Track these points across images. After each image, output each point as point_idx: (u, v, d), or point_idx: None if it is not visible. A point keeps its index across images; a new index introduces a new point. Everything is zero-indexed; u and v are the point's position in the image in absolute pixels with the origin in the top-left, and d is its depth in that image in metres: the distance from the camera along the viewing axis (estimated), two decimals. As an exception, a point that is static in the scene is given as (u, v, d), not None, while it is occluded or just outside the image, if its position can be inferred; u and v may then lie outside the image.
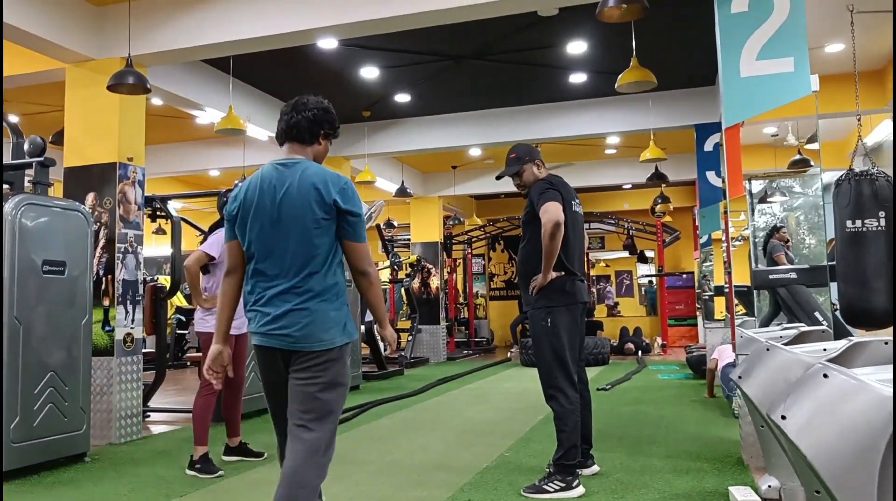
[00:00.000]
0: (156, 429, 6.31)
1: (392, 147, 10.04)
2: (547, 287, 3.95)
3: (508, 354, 13.61)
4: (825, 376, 2.40)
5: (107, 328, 5.62)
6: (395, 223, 15.22)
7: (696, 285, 13.95)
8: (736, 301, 8.84)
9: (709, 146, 8.56)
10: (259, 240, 2.64)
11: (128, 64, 5.22)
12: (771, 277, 5.88)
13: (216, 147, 10.68)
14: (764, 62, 4.45)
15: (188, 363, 11.68)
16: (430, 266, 13.60)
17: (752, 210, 8.25)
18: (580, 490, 3.80)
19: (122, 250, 5.74)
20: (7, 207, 4.46)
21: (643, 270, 18.02)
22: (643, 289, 18.32)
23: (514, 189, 4.49)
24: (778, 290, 7.41)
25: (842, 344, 3.47)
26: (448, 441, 5.37)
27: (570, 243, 3.99)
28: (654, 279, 17.40)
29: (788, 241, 8.00)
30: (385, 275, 12.50)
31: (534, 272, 4.00)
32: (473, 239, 16.69)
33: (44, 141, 4.93)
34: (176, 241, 7.00)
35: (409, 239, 14.74)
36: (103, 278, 5.66)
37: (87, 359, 4.95)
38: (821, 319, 7.14)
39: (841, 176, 6.42)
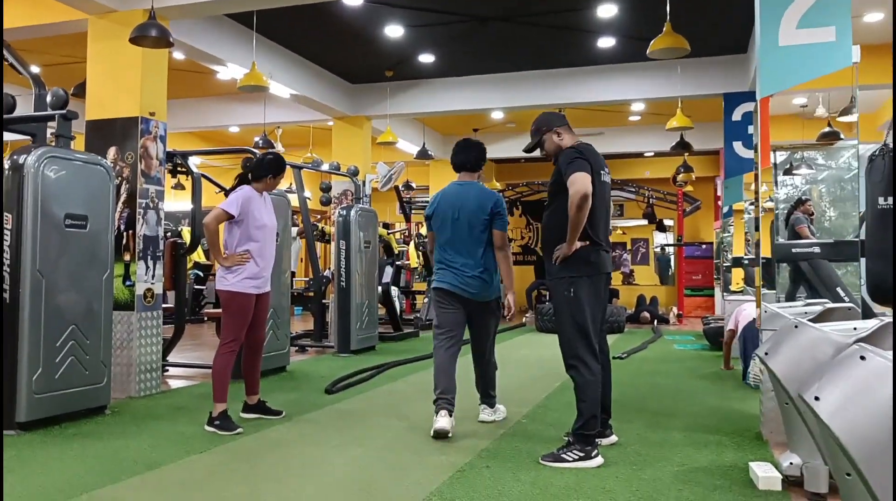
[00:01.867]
0: (174, 384, 6.36)
1: (414, 108, 9.94)
2: (571, 257, 3.89)
3: (524, 319, 13.60)
4: (862, 358, 2.34)
5: (127, 283, 5.63)
6: (414, 185, 15.15)
7: (715, 255, 13.84)
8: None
9: (737, 116, 8.40)
10: (447, 231, 4.52)
11: (150, 16, 5.14)
12: (794, 250, 5.77)
13: (236, 103, 10.62)
14: (804, 31, 4.31)
15: (205, 319, 11.77)
16: (449, 229, 13.54)
17: (776, 182, 8.12)
18: (599, 460, 3.79)
19: (144, 205, 5.73)
20: (29, 159, 4.44)
21: (659, 238, 17.87)
22: (657, 257, 18.15)
23: (535, 155, 4.50)
24: (800, 264, 7.32)
25: (873, 324, 3.42)
26: (464, 408, 5.34)
27: (596, 213, 3.90)
28: (667, 247, 17.25)
29: (812, 214, 7.88)
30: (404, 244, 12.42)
31: (558, 241, 3.94)
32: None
33: (66, 93, 4.89)
34: (196, 197, 6.99)
35: (427, 202, 14.68)
36: (124, 234, 5.66)
37: (108, 314, 4.98)
38: (843, 295, 7.06)
39: (875, 151, 6.27)
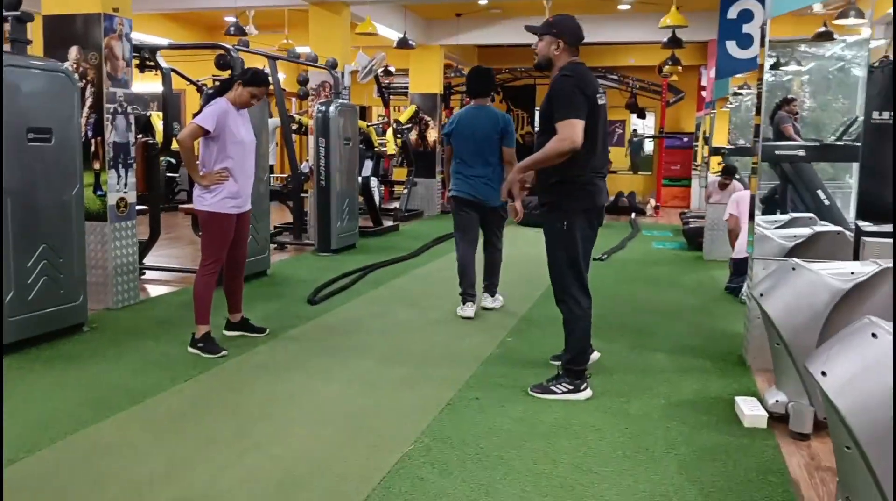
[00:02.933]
0: (153, 290, 6.26)
1: (395, -8, 9.39)
2: (566, 189, 3.74)
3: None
4: (874, 336, 2.29)
5: (98, 193, 5.40)
6: (393, 70, 14.61)
7: (701, 142, 13.67)
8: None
9: (732, 14, 8.01)
10: (463, 146, 5.38)
11: None
12: (777, 152, 5.60)
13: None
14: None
15: (178, 207, 11.52)
16: (429, 119, 13.20)
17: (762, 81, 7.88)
18: (587, 393, 3.80)
19: (112, 110, 5.40)
20: (-16, 69, 4.11)
21: (637, 124, 17.43)
22: (630, 142, 17.71)
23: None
24: (782, 164, 7.24)
25: (870, 269, 3.37)
26: (447, 322, 5.35)
27: (596, 141, 3.72)
28: (641, 132, 16.96)
29: (797, 114, 7.72)
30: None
31: (550, 170, 3.74)
32: (472, 89, 16.10)
33: (20, -9, 4.47)
34: (167, 90, 6.63)
35: (406, 87, 14.20)
36: (92, 141, 5.36)
37: (80, 229, 4.79)
38: (823, 197, 7.03)
39: (874, 63, 6.05)
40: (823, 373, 2.29)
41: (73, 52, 5.34)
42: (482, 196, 5.36)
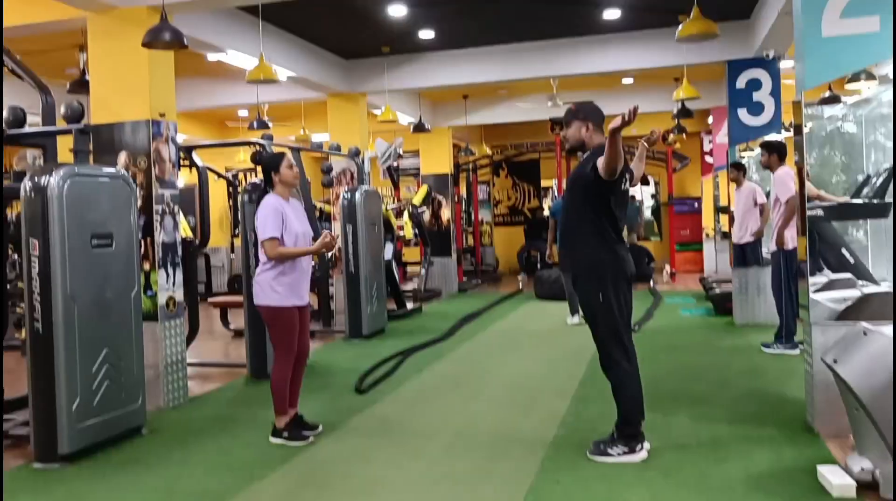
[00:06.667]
0: (197, 388, 6.25)
1: (412, 83, 9.71)
2: (597, 264, 3.99)
3: (519, 284, 13.61)
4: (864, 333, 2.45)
5: (149, 293, 5.47)
6: (402, 152, 14.90)
7: (714, 208, 13.86)
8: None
9: (741, 83, 8.31)
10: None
11: (162, 17, 4.87)
12: (809, 213, 5.69)
13: (224, 82, 10.26)
14: (849, 21, 4.21)
15: (208, 300, 11.55)
16: (441, 198, 13.42)
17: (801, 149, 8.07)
18: (643, 454, 3.95)
19: (160, 211, 5.53)
20: (53, 181, 4.22)
21: (639, 191, 17.69)
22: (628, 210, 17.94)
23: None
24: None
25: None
26: (502, 403, 5.36)
27: (619, 217, 4.02)
28: (638, 198, 17.23)
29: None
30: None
31: (577, 244, 4.05)
32: (479, 166, 16.44)
33: (81, 105, 4.65)
34: (203, 191, 6.78)
35: (418, 167, 14.47)
36: (142, 242, 5.47)
37: (138, 330, 4.83)
38: (847, 255, 7.12)
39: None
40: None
41: (122, 157, 5.50)
42: None
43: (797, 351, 6.51)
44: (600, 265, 3.98)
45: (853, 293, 4.98)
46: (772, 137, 7.99)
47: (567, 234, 4.17)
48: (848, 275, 5.56)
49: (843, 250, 7.21)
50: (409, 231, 11.90)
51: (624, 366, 3.99)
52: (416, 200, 12.69)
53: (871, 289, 5.05)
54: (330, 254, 9.66)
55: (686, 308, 10.00)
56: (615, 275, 3.99)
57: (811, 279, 5.22)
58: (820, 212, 5.81)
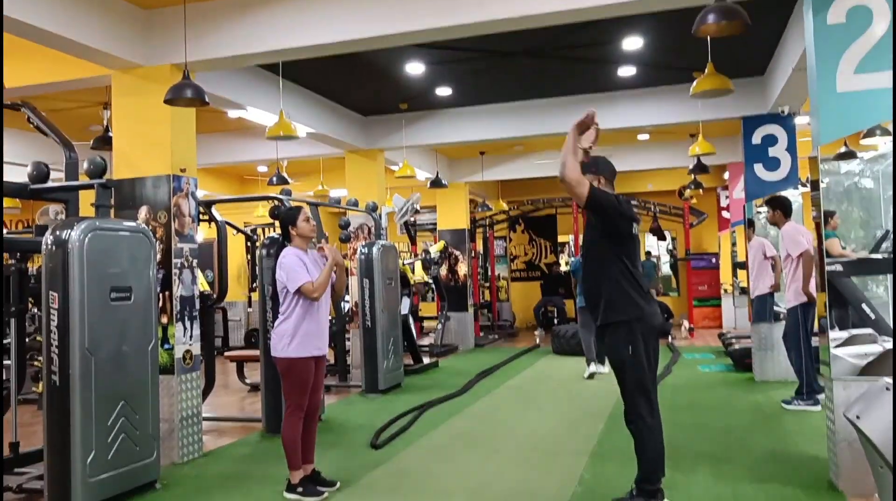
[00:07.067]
0: (211, 442, 6.20)
1: (429, 139, 9.84)
2: (627, 317, 3.94)
3: (536, 339, 13.51)
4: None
5: (166, 346, 5.48)
6: (419, 207, 15.02)
7: (732, 263, 13.84)
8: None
9: (757, 139, 8.35)
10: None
11: (185, 76, 5.00)
12: (827, 268, 5.66)
13: (245, 138, 10.45)
14: (863, 76, 4.25)
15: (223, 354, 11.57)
16: (458, 253, 13.46)
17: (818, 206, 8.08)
18: None
19: (179, 265, 5.59)
20: (74, 234, 4.29)
21: (651, 245, 17.67)
22: (643, 264, 17.91)
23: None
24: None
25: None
26: (519, 461, 5.27)
27: (638, 267, 4.02)
28: (654, 255, 17.20)
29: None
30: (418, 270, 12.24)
31: (599, 294, 3.99)
32: (496, 222, 16.52)
33: (104, 160, 4.76)
34: (221, 245, 6.84)
35: (434, 223, 14.56)
36: (160, 295, 5.51)
37: (155, 384, 4.83)
38: (867, 310, 7.03)
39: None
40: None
41: (143, 211, 5.59)
42: None
43: (818, 407, 6.41)
44: (631, 319, 3.94)
45: (875, 349, 4.91)
46: (788, 192, 7.99)
47: (592, 290, 4.15)
48: (869, 330, 5.50)
49: (864, 306, 7.14)
50: (419, 272, 11.87)
51: (648, 420, 3.93)
52: (433, 249, 12.73)
53: (892, 344, 4.97)
54: (347, 308, 9.67)
55: (705, 364, 9.86)
56: (645, 328, 3.96)
57: (832, 334, 5.17)
58: (839, 267, 5.77)
